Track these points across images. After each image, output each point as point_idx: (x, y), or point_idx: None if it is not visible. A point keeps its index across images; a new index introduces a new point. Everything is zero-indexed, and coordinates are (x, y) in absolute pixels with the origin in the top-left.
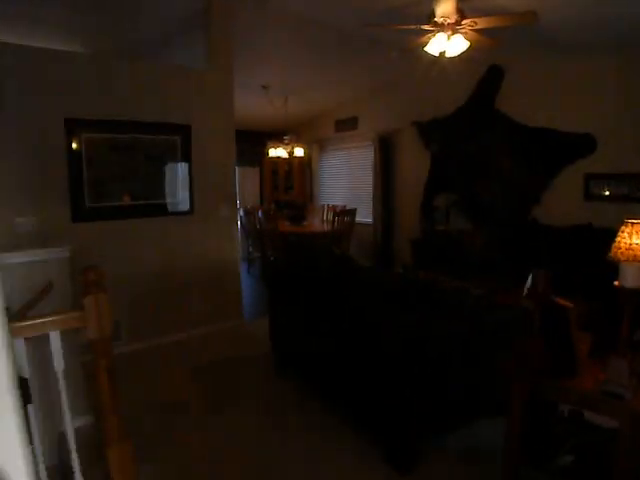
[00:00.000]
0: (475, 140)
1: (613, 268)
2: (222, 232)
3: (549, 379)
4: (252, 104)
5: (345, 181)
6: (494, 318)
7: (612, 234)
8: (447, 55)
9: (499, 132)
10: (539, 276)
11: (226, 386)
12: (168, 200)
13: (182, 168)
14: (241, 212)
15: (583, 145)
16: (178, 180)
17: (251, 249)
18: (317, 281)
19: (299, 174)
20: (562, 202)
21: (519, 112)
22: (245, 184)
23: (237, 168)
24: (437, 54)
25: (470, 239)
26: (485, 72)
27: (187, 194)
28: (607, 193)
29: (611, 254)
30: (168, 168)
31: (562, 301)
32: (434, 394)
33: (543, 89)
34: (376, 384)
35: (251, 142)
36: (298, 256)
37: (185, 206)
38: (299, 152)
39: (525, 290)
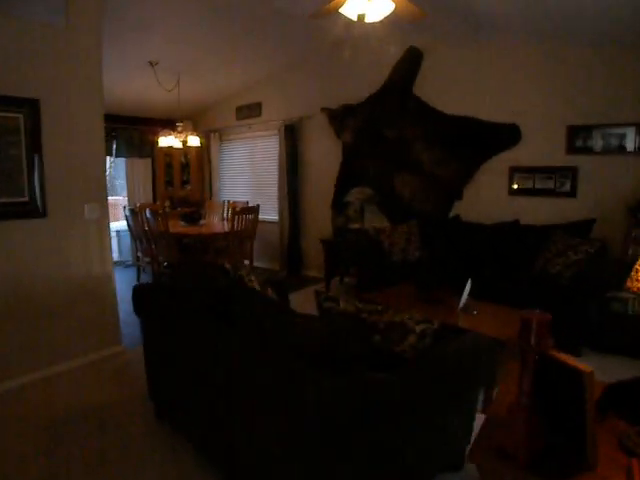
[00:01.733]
0: (392, 129)
1: (544, 274)
2: (89, 239)
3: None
4: (139, 85)
5: (248, 175)
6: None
7: (541, 232)
8: (367, 19)
9: (418, 121)
10: (533, 320)
11: (89, 454)
12: (7, 199)
13: (28, 156)
14: (127, 211)
15: (507, 136)
16: (23, 173)
17: (140, 254)
18: (195, 316)
19: (197, 167)
20: (486, 197)
21: (439, 99)
22: (135, 178)
23: (125, 160)
24: (355, 18)
25: (388, 238)
26: (402, 54)
27: (37, 191)
28: (533, 187)
29: (629, 285)
30: (6, 156)
31: (572, 361)
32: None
33: (465, 75)
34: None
35: (141, 130)
36: (182, 271)
37: (34, 207)
38: (194, 141)
39: (461, 303)
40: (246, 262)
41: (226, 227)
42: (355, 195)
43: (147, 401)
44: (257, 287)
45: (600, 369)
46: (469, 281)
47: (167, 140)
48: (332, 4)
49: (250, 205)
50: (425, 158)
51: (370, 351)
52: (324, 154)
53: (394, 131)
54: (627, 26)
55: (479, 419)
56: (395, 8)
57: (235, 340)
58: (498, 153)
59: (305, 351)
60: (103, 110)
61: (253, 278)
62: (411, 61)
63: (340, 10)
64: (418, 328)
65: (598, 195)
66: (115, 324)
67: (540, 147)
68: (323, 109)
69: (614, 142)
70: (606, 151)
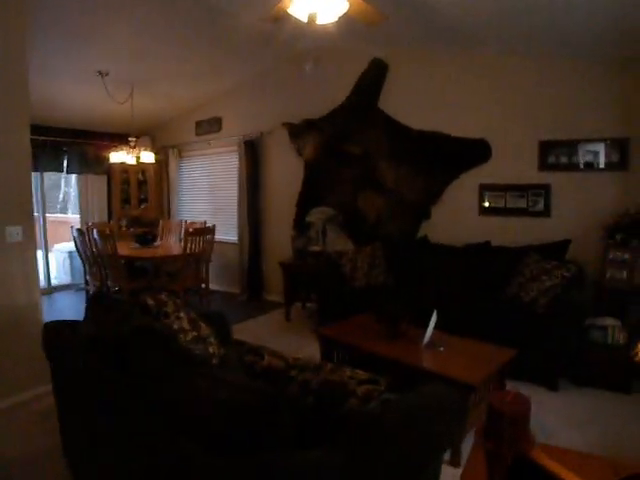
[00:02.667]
0: (356, 145)
1: (518, 300)
2: (11, 265)
3: None
4: (89, 96)
5: (208, 193)
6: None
7: (513, 254)
8: (319, 21)
9: (383, 136)
10: (505, 413)
11: None
12: None
13: None
14: (74, 232)
15: (477, 152)
16: None
17: (88, 278)
18: (91, 369)
19: (155, 185)
20: (455, 217)
21: (406, 113)
22: (89, 196)
23: (78, 176)
24: (305, 19)
25: (350, 262)
26: (367, 66)
27: None
28: (504, 206)
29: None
30: None
31: (553, 465)
32: None
33: (432, 89)
34: None
35: (96, 145)
36: (97, 308)
37: None
38: (148, 158)
39: (426, 338)
40: (203, 286)
41: (181, 249)
42: (316, 215)
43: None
44: (185, 325)
45: (578, 405)
46: (434, 313)
47: (119, 156)
48: (280, 5)
49: (207, 225)
50: (391, 175)
51: (297, 419)
52: (286, 171)
53: (358, 147)
54: (601, 41)
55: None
56: (350, 9)
57: (122, 405)
58: (468, 170)
59: (199, 428)
60: (28, 116)
61: (182, 314)
62: (376, 73)
63: (289, 10)
64: (360, 390)
65: (573, 214)
66: (43, 360)
67: (511, 164)
68: (284, 124)
69: (588, 158)
70: (580, 168)
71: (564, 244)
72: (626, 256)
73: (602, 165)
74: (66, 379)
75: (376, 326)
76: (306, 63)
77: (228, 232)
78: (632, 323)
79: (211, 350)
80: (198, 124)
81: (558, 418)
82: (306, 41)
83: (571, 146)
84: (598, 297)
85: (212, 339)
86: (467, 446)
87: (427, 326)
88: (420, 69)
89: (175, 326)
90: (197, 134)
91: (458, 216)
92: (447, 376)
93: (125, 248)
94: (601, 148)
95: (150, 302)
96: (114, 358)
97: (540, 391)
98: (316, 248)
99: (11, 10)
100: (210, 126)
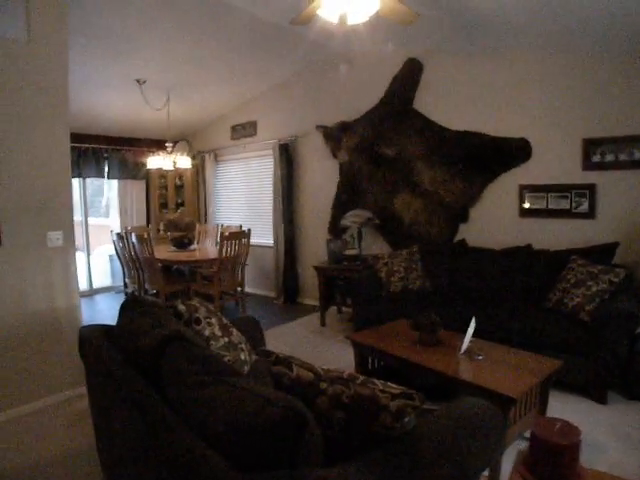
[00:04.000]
0: (391, 147)
1: (561, 307)
2: (52, 269)
3: None
4: (127, 104)
5: (244, 197)
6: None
7: (556, 258)
8: (350, 22)
9: (419, 137)
10: (555, 445)
11: None
12: None
13: None
14: (114, 236)
15: (517, 151)
16: None
17: (127, 281)
18: (120, 376)
19: (192, 189)
20: (494, 219)
21: (442, 114)
22: (128, 201)
23: (118, 181)
24: (336, 20)
25: (386, 266)
26: (401, 67)
27: None
28: (546, 207)
29: None
30: None
31: None
32: None
33: (469, 88)
34: None
35: (134, 151)
36: (130, 314)
37: None
38: (184, 162)
39: (463, 347)
40: (239, 289)
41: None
42: (352, 218)
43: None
44: (217, 331)
45: (630, 420)
46: (473, 320)
47: (156, 161)
48: (310, 7)
49: (243, 229)
50: (427, 177)
51: (326, 434)
52: (320, 174)
53: (394, 149)
54: None
55: None
56: (381, 8)
57: (150, 416)
58: (507, 171)
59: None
60: (68, 126)
61: (213, 321)
62: (410, 74)
63: (318, 12)
64: (394, 405)
65: (620, 216)
66: (80, 362)
67: (553, 163)
68: (318, 127)
69: (637, 156)
70: (628, 166)
71: (611, 247)
72: None
73: None
74: (97, 384)
75: (412, 332)
76: (340, 65)
77: (264, 236)
78: None
79: (242, 357)
80: (233, 128)
81: (609, 435)
82: (339, 43)
83: (617, 143)
84: None
85: (244, 345)
86: (508, 460)
87: (465, 333)
88: (456, 68)
89: (206, 332)
90: (232, 138)
91: (497, 218)
92: (485, 387)
93: (162, 252)
94: None
95: (181, 308)
96: (144, 365)
97: (588, 404)
98: (352, 252)
99: (54, 24)
100: (245, 130)
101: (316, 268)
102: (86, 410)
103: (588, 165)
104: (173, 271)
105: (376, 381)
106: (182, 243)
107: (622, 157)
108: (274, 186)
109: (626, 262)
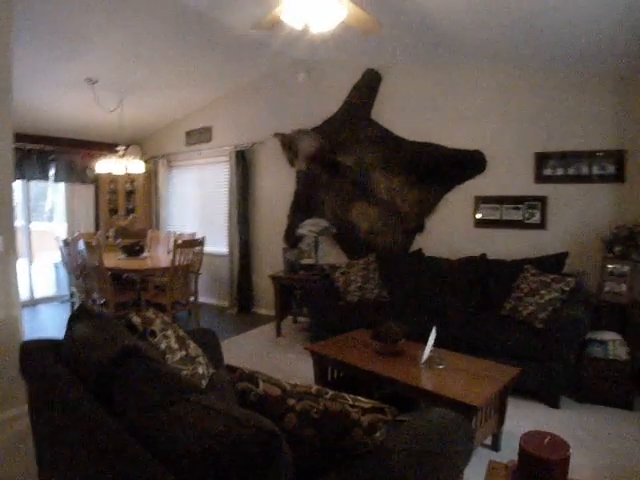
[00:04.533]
0: (349, 156)
1: (516, 316)
2: None
3: None
4: (78, 104)
5: (198, 204)
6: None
7: (510, 268)
8: (313, 29)
9: (376, 147)
10: (543, 453)
11: None
12: None
13: None
14: (60, 242)
15: (472, 163)
16: None
17: (73, 290)
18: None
19: (143, 195)
20: (450, 229)
21: (399, 124)
22: (75, 205)
23: (65, 185)
24: (300, 26)
25: (344, 275)
26: (360, 77)
27: None
28: (500, 218)
29: None
30: None
31: None
32: None
33: (427, 100)
34: None
35: (84, 154)
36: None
37: None
38: (137, 167)
39: (424, 356)
40: (192, 299)
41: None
42: (308, 227)
43: None
44: (173, 344)
45: (581, 423)
46: (434, 330)
47: (107, 165)
48: (274, 13)
49: (197, 237)
50: (384, 187)
51: (296, 453)
52: (277, 182)
53: (351, 158)
54: (597, 55)
55: None
56: (347, 16)
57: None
58: (462, 182)
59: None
60: (11, 129)
61: (169, 333)
62: (369, 84)
63: (282, 18)
64: (365, 420)
65: (570, 226)
66: (20, 380)
67: (507, 176)
68: (276, 134)
69: (584, 170)
70: (576, 180)
71: (561, 257)
72: (625, 269)
73: (598, 177)
74: (42, 405)
75: (372, 342)
76: (299, 73)
77: (218, 244)
78: (633, 337)
79: (200, 371)
80: (188, 134)
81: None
82: (299, 51)
83: (567, 158)
84: (597, 311)
85: (201, 359)
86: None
87: (425, 342)
88: (414, 80)
89: (162, 345)
90: (187, 144)
91: (453, 229)
92: (447, 397)
93: (112, 259)
94: (597, 160)
95: (136, 320)
96: (96, 384)
97: (541, 408)
98: (308, 261)
99: None
100: (200, 136)
101: (272, 277)
102: (25, 433)
103: (540, 178)
104: (123, 280)
105: (346, 395)
106: (133, 251)
107: (571, 171)
108: (229, 193)
109: (574, 271)
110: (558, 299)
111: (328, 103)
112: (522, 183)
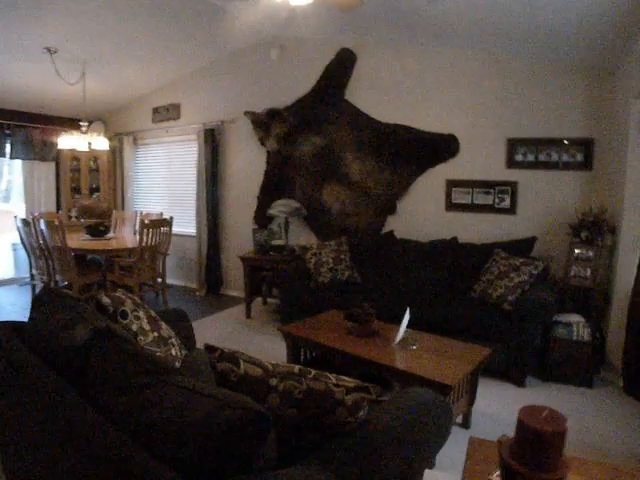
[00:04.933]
0: (321, 136)
1: (486, 297)
2: None
3: None
4: (36, 76)
5: (165, 183)
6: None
7: (481, 251)
8: (293, 2)
9: (349, 128)
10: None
11: None
12: None
13: None
14: (19, 222)
15: (445, 147)
16: None
17: (34, 272)
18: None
19: (108, 173)
20: (422, 212)
21: (373, 106)
22: (35, 184)
23: (23, 162)
24: None
25: (315, 257)
26: (334, 56)
27: None
28: (471, 202)
29: None
30: None
31: None
32: None
33: (402, 82)
34: None
35: (43, 130)
36: (48, 308)
37: None
38: (102, 144)
39: (398, 337)
40: (159, 280)
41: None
42: (279, 208)
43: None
44: (145, 325)
45: (545, 401)
46: (407, 311)
47: (69, 141)
48: None
49: (164, 217)
50: (356, 169)
51: (279, 433)
52: (248, 162)
53: (323, 138)
54: (568, 46)
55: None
56: None
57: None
58: (435, 165)
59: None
60: None
61: (141, 314)
62: (343, 64)
63: None
64: (349, 399)
65: (538, 212)
66: None
67: (479, 160)
68: (247, 113)
69: (554, 157)
70: (546, 166)
71: (530, 241)
72: (590, 254)
73: (567, 164)
74: (5, 392)
75: (345, 323)
76: (272, 50)
77: (186, 224)
78: (595, 319)
79: (174, 352)
80: (155, 110)
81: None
82: (272, 27)
83: (538, 144)
84: (562, 294)
85: (174, 340)
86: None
87: (396, 323)
88: (389, 61)
89: (134, 327)
90: (154, 121)
91: (424, 211)
92: (422, 377)
93: (75, 240)
94: (566, 148)
95: (105, 300)
96: (67, 368)
97: (508, 387)
98: (279, 242)
99: None
100: (168, 113)
101: (242, 259)
102: None
103: (511, 163)
104: (87, 261)
105: (329, 375)
106: (98, 231)
107: (541, 158)
108: (198, 173)
109: (541, 255)
110: (527, 282)
111: (301, 82)
112: (494, 168)
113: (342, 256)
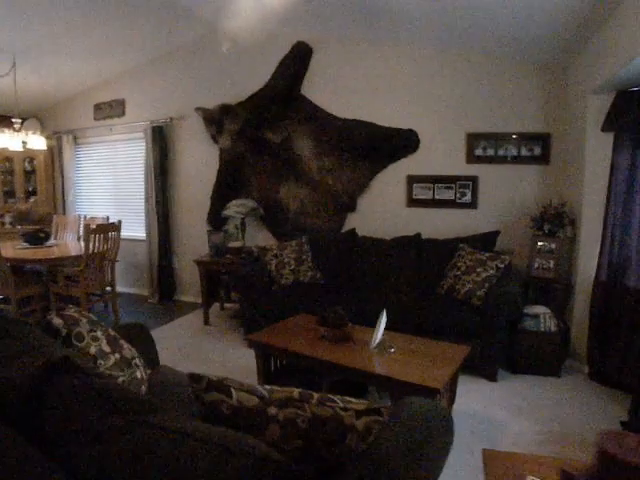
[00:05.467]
0: (277, 133)
1: (454, 293)
2: None
3: None
4: None
5: (110, 185)
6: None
7: (445, 246)
8: None
9: (305, 124)
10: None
11: None
12: None
13: None
14: None
15: (406, 142)
16: None
17: None
18: None
19: (46, 175)
20: (383, 209)
21: (330, 101)
22: None
23: None
24: None
25: (276, 258)
26: (289, 50)
27: None
28: (432, 198)
29: None
30: None
31: None
32: None
33: (359, 76)
34: None
35: None
36: None
37: None
38: (38, 143)
39: (376, 341)
40: (108, 289)
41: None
42: (235, 208)
43: None
44: (105, 347)
45: (518, 393)
46: (384, 313)
47: (0, 140)
48: None
49: (111, 221)
50: (315, 166)
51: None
52: (200, 161)
53: (280, 135)
54: (527, 43)
55: None
56: None
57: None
58: (395, 161)
59: None
60: None
61: (99, 334)
62: (299, 57)
63: None
64: (360, 424)
65: (499, 206)
66: None
67: (440, 155)
68: (198, 109)
69: (513, 151)
70: (505, 161)
71: (493, 235)
72: (553, 246)
73: (525, 159)
74: None
75: (317, 328)
76: (223, 42)
77: (135, 228)
78: (557, 310)
79: (139, 375)
80: (98, 107)
81: (503, 408)
82: (224, 20)
83: (496, 139)
84: (526, 286)
85: (137, 360)
86: None
87: (365, 325)
88: (346, 55)
89: (92, 349)
90: (96, 118)
91: (385, 208)
92: (407, 382)
93: (10, 249)
94: (525, 142)
95: (57, 322)
96: (13, 412)
97: (481, 382)
98: (236, 244)
99: None
100: (111, 109)
101: (197, 262)
102: None
103: (471, 158)
104: (26, 272)
105: (334, 397)
106: (37, 238)
107: (500, 152)
108: (146, 173)
109: (504, 248)
110: (494, 276)
111: (255, 77)
112: (454, 163)
113: (304, 256)
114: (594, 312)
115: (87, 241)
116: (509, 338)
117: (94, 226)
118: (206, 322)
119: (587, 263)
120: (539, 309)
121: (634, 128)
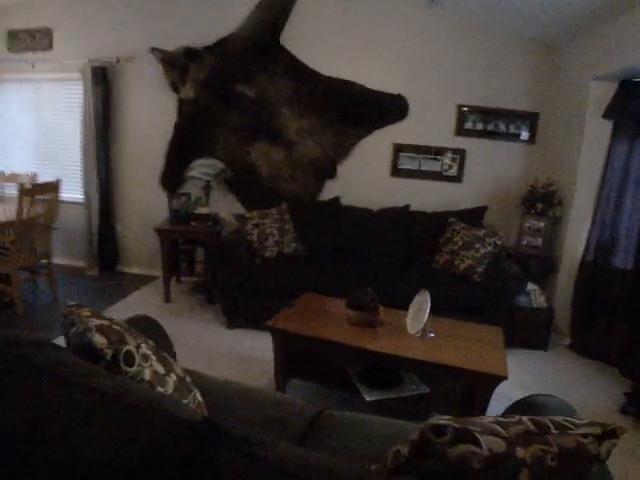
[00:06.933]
0: (250, 86)
1: (453, 269)
2: None
3: None
4: None
5: (33, 135)
6: None
7: (435, 220)
8: None
9: (284, 78)
10: None
11: None
12: None
13: None
14: None
15: (394, 108)
16: None
17: None
18: None
19: None
20: (365, 177)
21: (314, 56)
22: None
23: None
24: None
25: (257, 228)
26: None
27: None
28: (418, 168)
29: None
30: None
31: None
32: None
33: (348, 31)
34: None
35: None
36: None
37: None
38: None
39: (420, 325)
40: (43, 262)
41: (10, 214)
42: (202, 169)
43: None
44: (158, 367)
45: (511, 366)
46: (427, 295)
47: None
48: None
49: (52, 180)
50: (293, 126)
51: None
52: (153, 112)
53: (253, 89)
54: (529, 22)
55: None
56: None
57: None
58: (382, 127)
59: None
60: None
61: (145, 349)
62: (280, 1)
63: None
64: (602, 450)
65: (483, 181)
66: None
67: (428, 125)
68: (154, 50)
69: (502, 128)
70: (493, 136)
71: (481, 210)
72: (541, 224)
73: (513, 136)
74: None
75: (340, 311)
76: None
77: (71, 189)
78: (544, 286)
79: (198, 396)
80: (13, 35)
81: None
82: None
83: (487, 114)
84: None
85: (182, 373)
86: None
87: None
88: (335, 7)
89: (146, 375)
90: (12, 50)
91: (368, 176)
92: (471, 370)
93: None
94: (514, 120)
95: (100, 340)
96: None
97: None
98: (203, 210)
99: None
100: (34, 41)
101: (159, 230)
102: None
103: (460, 131)
104: None
105: (559, 419)
106: None
107: (489, 127)
108: (84, 123)
109: (488, 224)
110: (492, 253)
111: (227, 18)
112: (443, 134)
113: (286, 226)
114: (579, 289)
115: (20, 204)
116: (506, 314)
117: (30, 186)
118: (167, 299)
119: (574, 240)
120: (530, 286)
121: (635, 117)
